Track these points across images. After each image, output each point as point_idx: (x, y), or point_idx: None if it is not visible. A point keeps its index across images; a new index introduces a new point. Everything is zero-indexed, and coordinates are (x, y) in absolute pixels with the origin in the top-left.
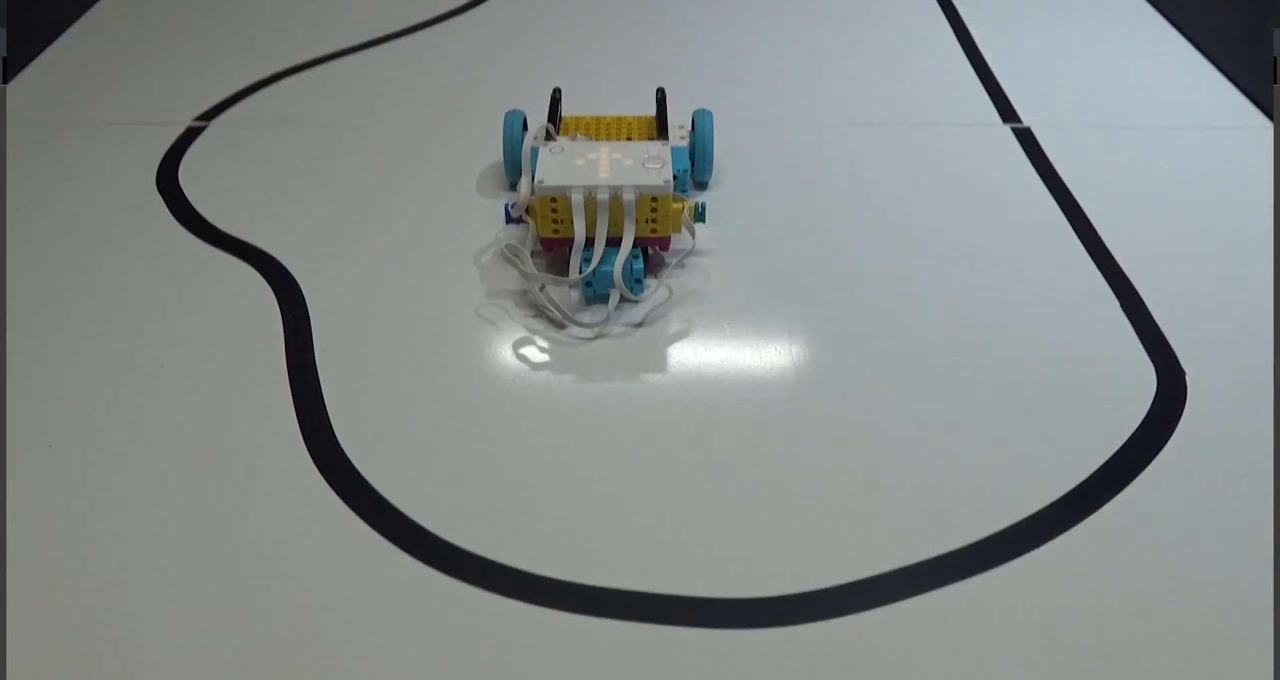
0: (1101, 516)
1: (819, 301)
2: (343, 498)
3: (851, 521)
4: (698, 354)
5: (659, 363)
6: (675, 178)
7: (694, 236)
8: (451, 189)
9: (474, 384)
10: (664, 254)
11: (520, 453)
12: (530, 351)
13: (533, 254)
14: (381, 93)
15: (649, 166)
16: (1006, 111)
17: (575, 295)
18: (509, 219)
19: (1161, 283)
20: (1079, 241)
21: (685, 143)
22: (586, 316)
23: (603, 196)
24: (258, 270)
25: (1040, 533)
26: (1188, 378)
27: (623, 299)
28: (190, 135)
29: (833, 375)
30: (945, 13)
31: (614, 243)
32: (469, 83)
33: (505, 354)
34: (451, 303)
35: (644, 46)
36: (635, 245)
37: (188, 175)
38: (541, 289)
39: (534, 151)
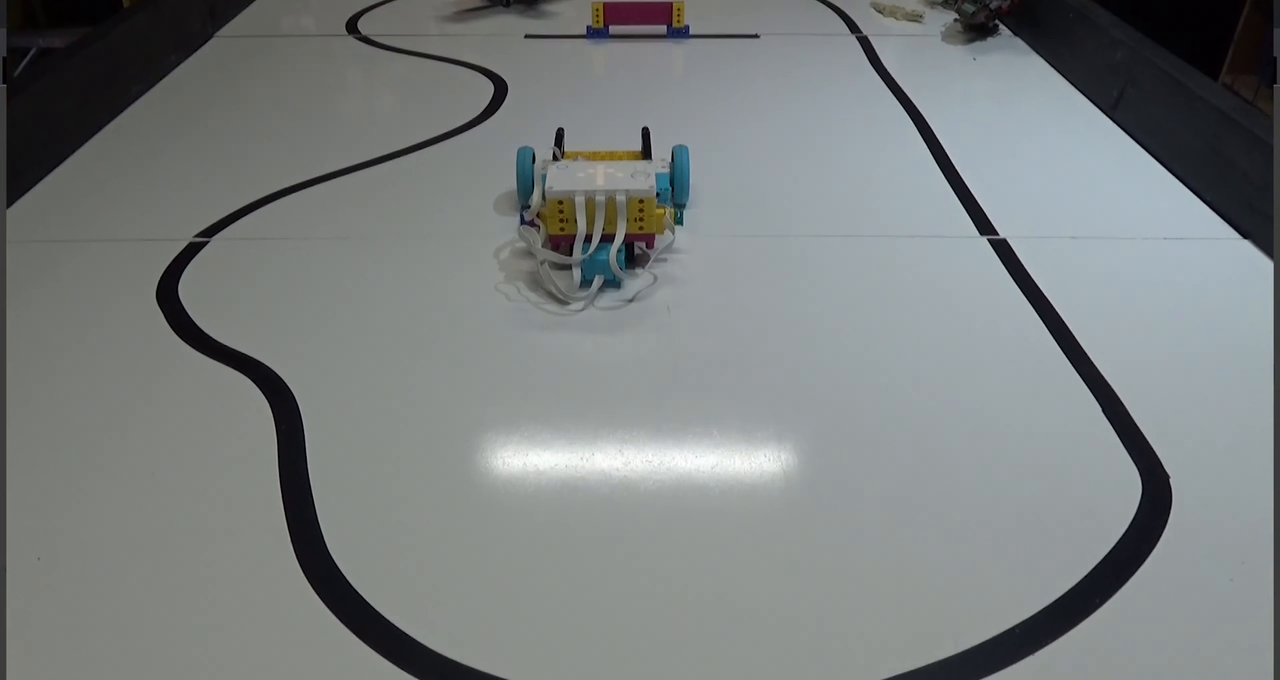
0: (1094, 622)
1: (801, 410)
2: (333, 610)
3: (837, 630)
4: (687, 460)
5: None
6: (659, 193)
7: (674, 234)
8: (448, 304)
9: (470, 496)
10: (649, 251)
11: (517, 567)
12: (530, 459)
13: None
14: (380, 209)
15: (637, 177)
16: (983, 224)
17: (577, 275)
18: (523, 221)
19: (1141, 388)
20: (1059, 348)
21: (666, 170)
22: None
23: (600, 198)
24: (253, 381)
25: (1032, 639)
26: (1172, 481)
27: (606, 283)
28: (191, 251)
29: (813, 484)
30: (918, 127)
31: (608, 239)
32: (465, 201)
33: (502, 468)
34: (447, 414)
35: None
36: (625, 240)
37: (188, 289)
38: (546, 267)
39: (543, 176)
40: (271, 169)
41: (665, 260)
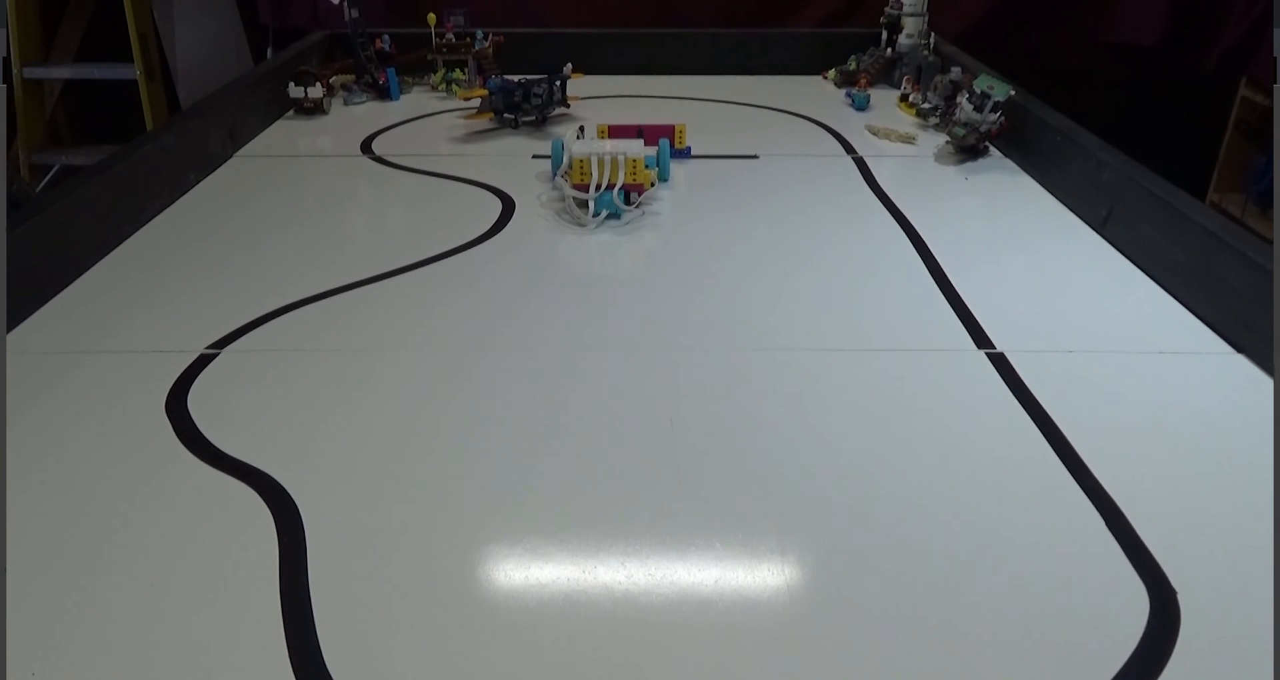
0: None
1: (803, 524)
2: None
3: None
4: (690, 574)
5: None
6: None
7: (654, 185)
8: (451, 416)
9: (472, 612)
10: (639, 196)
11: None
12: (532, 572)
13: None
14: (389, 322)
15: (632, 147)
16: (980, 338)
17: (591, 207)
18: (554, 176)
19: (1144, 502)
20: (1061, 462)
21: (654, 152)
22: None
23: (607, 158)
24: (257, 492)
25: None
26: (1179, 597)
27: (609, 215)
28: (202, 363)
29: (817, 600)
30: (914, 243)
31: (611, 188)
32: (472, 314)
33: (504, 582)
34: (450, 527)
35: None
36: (623, 187)
37: (196, 400)
38: (570, 201)
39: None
40: (284, 282)
41: (650, 203)
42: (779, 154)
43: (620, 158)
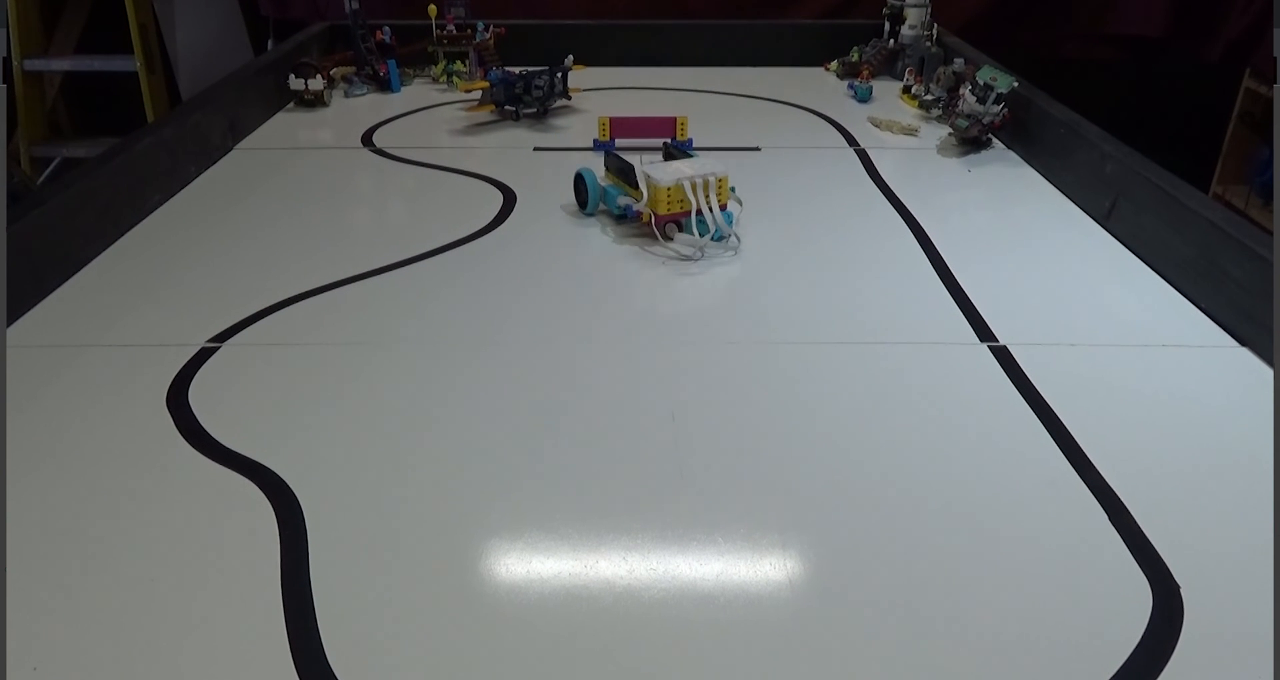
0: None
1: (804, 518)
2: None
3: None
4: (691, 568)
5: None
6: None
7: (740, 204)
8: (452, 409)
9: (473, 605)
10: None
11: (521, 677)
12: (533, 566)
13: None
14: (390, 315)
15: (708, 165)
16: (983, 331)
17: (696, 235)
18: (628, 215)
19: (1148, 497)
20: (1064, 456)
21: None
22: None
23: (699, 180)
24: (258, 485)
25: None
26: (1183, 591)
27: (713, 238)
28: (203, 356)
29: (818, 595)
30: (916, 236)
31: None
32: (473, 307)
33: (505, 575)
34: (451, 520)
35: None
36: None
37: (197, 394)
38: (679, 237)
39: (607, 187)
40: (284, 276)
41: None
42: (781, 146)
43: (711, 178)
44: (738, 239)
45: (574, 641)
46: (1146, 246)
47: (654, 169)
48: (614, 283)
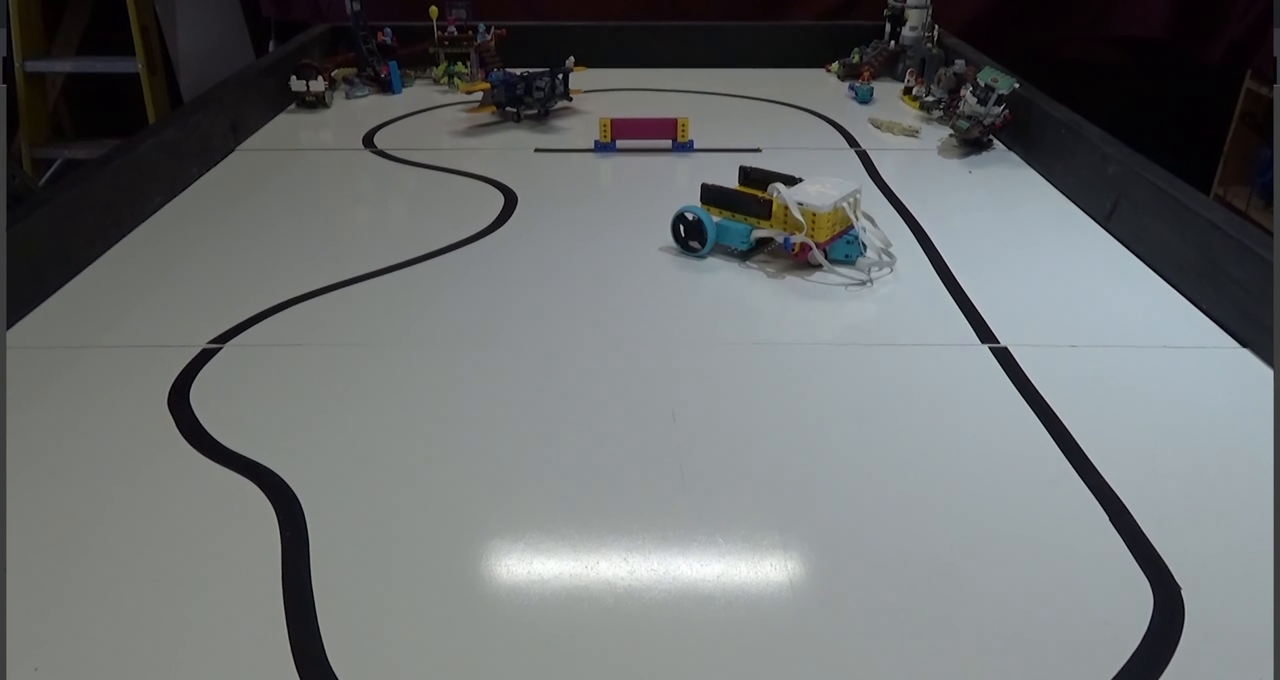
0: None
1: (805, 519)
2: None
3: None
4: (692, 569)
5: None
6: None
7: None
8: (452, 409)
9: (474, 606)
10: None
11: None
12: (534, 567)
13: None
14: (391, 316)
15: (842, 184)
16: (984, 332)
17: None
18: (787, 246)
19: (1149, 498)
20: (1065, 458)
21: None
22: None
23: (851, 199)
24: (259, 487)
25: None
26: (1183, 592)
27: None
28: (204, 357)
29: (819, 596)
30: (917, 236)
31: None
32: (474, 308)
33: (506, 577)
34: (452, 521)
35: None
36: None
37: (199, 395)
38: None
39: (720, 222)
40: (286, 277)
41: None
42: (782, 147)
43: (857, 196)
44: (892, 256)
45: (575, 642)
46: (1147, 247)
47: (797, 195)
48: (614, 283)
